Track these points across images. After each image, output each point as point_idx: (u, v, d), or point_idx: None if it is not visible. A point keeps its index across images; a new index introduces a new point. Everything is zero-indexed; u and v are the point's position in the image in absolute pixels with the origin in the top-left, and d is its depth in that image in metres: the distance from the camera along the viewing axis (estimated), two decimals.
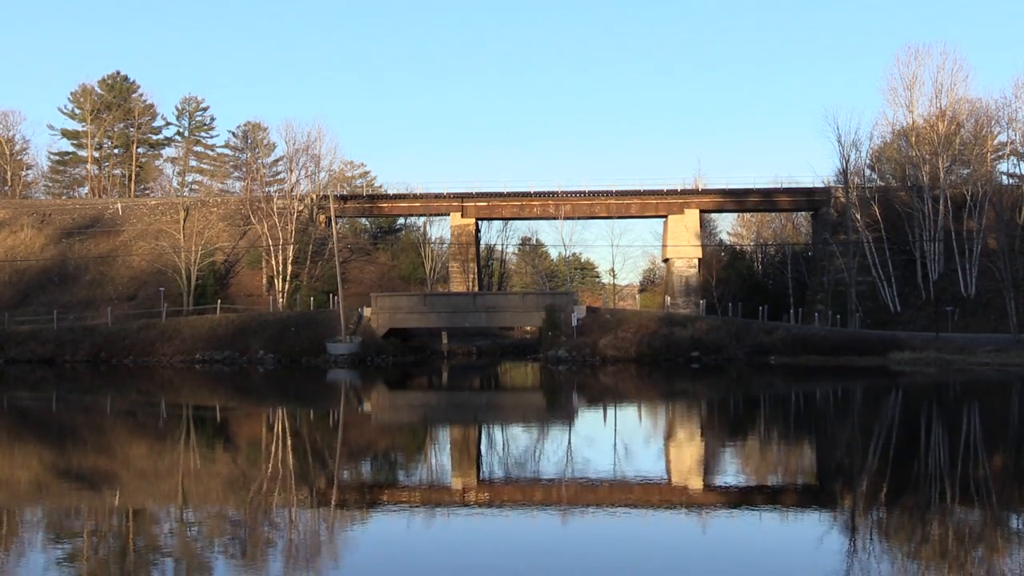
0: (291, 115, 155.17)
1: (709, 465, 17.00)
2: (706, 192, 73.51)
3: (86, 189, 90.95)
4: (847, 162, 64.47)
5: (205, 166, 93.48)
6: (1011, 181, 67.91)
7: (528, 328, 62.09)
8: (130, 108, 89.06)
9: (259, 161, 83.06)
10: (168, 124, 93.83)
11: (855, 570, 9.47)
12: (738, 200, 74.77)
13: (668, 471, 16.60)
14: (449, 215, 74.96)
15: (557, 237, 71.67)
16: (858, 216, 63.32)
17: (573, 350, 49.30)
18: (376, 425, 24.92)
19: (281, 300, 62.61)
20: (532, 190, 74.02)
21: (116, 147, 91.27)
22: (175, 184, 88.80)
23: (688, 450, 18.98)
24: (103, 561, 9.95)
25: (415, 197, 74.78)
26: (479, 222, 77.55)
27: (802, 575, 9.34)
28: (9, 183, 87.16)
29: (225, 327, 52.87)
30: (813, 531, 11.35)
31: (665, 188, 73.41)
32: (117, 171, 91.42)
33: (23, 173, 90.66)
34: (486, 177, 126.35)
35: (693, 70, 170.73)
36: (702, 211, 74.54)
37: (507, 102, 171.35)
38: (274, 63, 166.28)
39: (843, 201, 65.49)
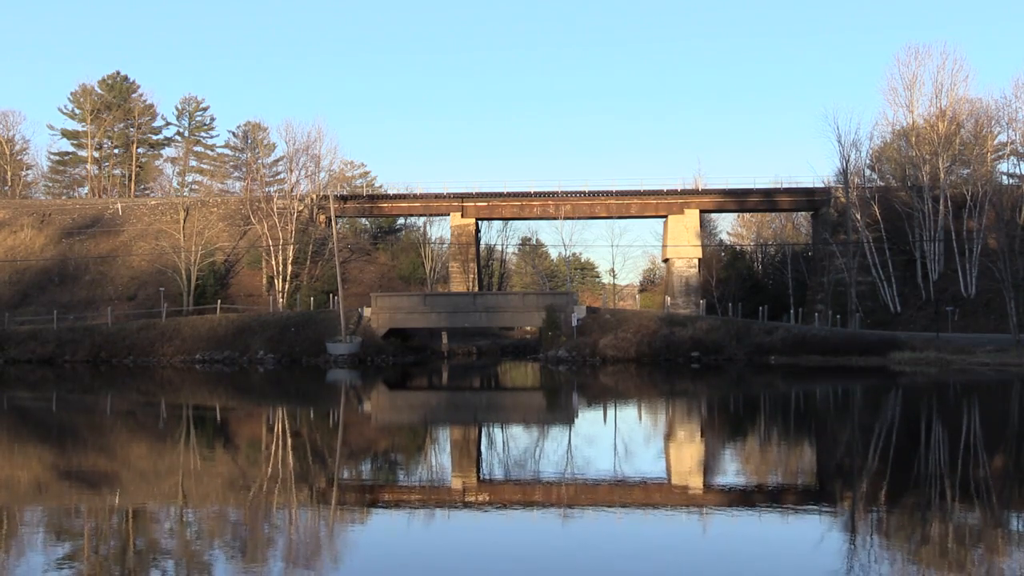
0: (291, 115, 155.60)
1: (709, 465, 17.00)
2: (706, 192, 73.53)
3: (86, 189, 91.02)
4: (847, 162, 64.56)
5: (205, 166, 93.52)
6: (1011, 181, 67.90)
7: (528, 328, 62.07)
8: (130, 108, 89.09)
9: (259, 161, 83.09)
10: (168, 124, 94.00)
11: (855, 570, 9.47)
12: (738, 200, 74.78)
13: (668, 471, 16.60)
14: (449, 215, 74.98)
15: (557, 237, 71.90)
16: (858, 216, 63.34)
17: (573, 350, 49.29)
18: (376, 425, 24.92)
19: (281, 300, 62.62)
20: (532, 190, 74.03)
21: (116, 147, 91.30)
22: (175, 184, 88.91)
23: (688, 450, 18.97)
24: (103, 561, 9.95)
25: (415, 197, 74.80)
26: (479, 222, 77.56)
27: (802, 575, 9.34)
28: (9, 183, 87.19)
29: (225, 327, 52.87)
30: (813, 531, 11.34)
31: (665, 188, 73.44)
32: (117, 171, 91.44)
33: (23, 173, 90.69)
34: (486, 177, 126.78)
35: (693, 70, 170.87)
36: (702, 211, 74.55)
37: (507, 102, 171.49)
38: (274, 63, 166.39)
39: (843, 201, 65.51)
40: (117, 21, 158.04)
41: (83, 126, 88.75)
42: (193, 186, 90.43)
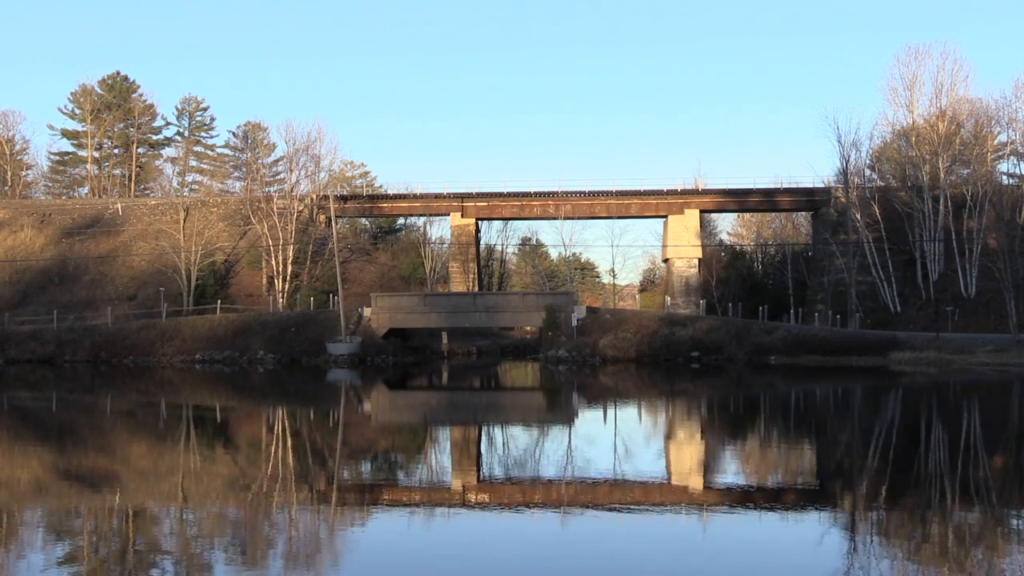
0: (291, 115, 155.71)
1: (709, 465, 17.00)
2: (706, 192, 73.52)
3: (86, 189, 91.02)
4: (847, 162, 64.61)
5: (205, 166, 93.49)
6: (1011, 181, 67.93)
7: (528, 328, 62.08)
8: (130, 108, 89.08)
9: (259, 161, 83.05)
10: (168, 124, 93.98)
11: (855, 570, 9.47)
12: (738, 200, 74.79)
13: (668, 471, 16.59)
14: (449, 215, 74.98)
15: (557, 237, 71.87)
16: (858, 216, 63.35)
17: (573, 350, 49.29)
18: (376, 425, 24.92)
19: (281, 300, 62.63)
20: (532, 190, 74.04)
21: (116, 147, 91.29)
22: (175, 184, 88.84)
23: (688, 450, 18.97)
24: (103, 561, 9.95)
25: (415, 197, 74.81)
26: (479, 222, 77.56)
27: (802, 575, 9.34)
28: (9, 183, 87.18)
29: (225, 327, 52.89)
30: (813, 531, 11.34)
31: (665, 188, 73.44)
32: (117, 171, 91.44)
33: (23, 173, 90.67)
34: (486, 177, 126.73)
35: (693, 70, 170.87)
36: (702, 211, 74.55)
37: (507, 102, 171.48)
38: (274, 63, 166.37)
39: (843, 201, 65.52)
40: (117, 21, 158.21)
41: (83, 126, 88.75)
42: (193, 186, 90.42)
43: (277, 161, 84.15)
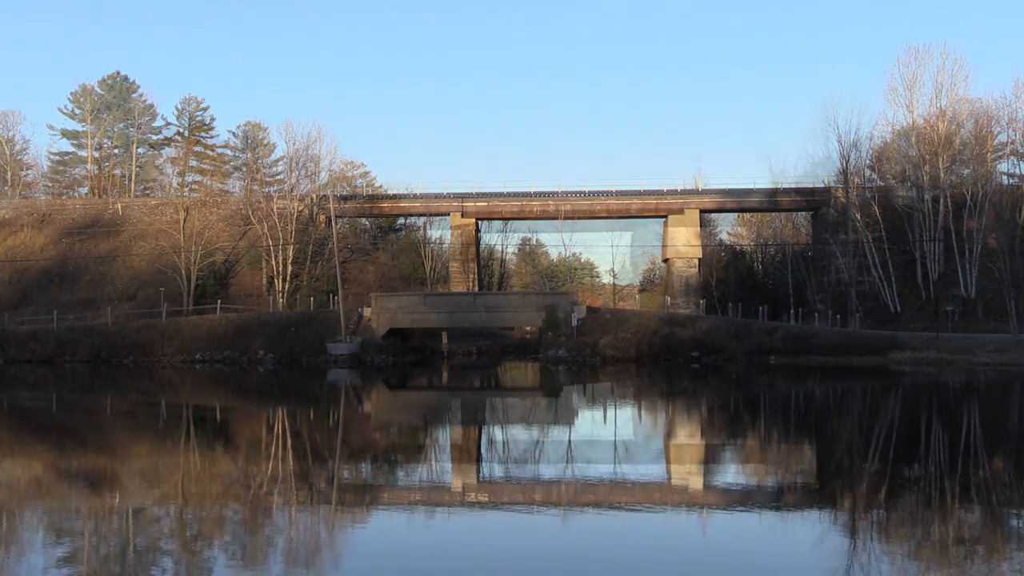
0: (291, 115, 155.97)
1: (709, 465, 17.00)
2: (706, 192, 73.54)
3: (86, 189, 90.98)
4: (847, 162, 64.61)
5: (205, 166, 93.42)
6: (1011, 181, 67.95)
7: (528, 328, 62.06)
8: (130, 108, 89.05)
9: (259, 161, 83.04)
10: (168, 124, 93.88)
11: (855, 570, 9.47)
12: (738, 200, 74.80)
13: (668, 471, 16.60)
14: (449, 215, 74.97)
15: (557, 237, 71.66)
16: (858, 216, 63.38)
17: (573, 350, 49.29)
18: (376, 425, 24.91)
19: (281, 300, 62.64)
20: (532, 190, 74.09)
21: (116, 147, 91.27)
22: (175, 184, 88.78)
23: (688, 450, 18.97)
24: (103, 561, 9.95)
25: (415, 197, 74.84)
26: (479, 222, 77.56)
27: (802, 575, 9.34)
28: (9, 183, 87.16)
29: (225, 327, 52.89)
30: (813, 531, 11.34)
31: (665, 188, 73.48)
32: (117, 171, 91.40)
33: (23, 173, 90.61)
34: (486, 177, 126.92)
35: (693, 70, 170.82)
36: (702, 211, 74.54)
37: (507, 102, 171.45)
38: (274, 63, 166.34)
39: (843, 201, 65.54)
40: (117, 21, 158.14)
41: (83, 126, 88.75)
42: (193, 186, 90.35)
43: (277, 161, 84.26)
